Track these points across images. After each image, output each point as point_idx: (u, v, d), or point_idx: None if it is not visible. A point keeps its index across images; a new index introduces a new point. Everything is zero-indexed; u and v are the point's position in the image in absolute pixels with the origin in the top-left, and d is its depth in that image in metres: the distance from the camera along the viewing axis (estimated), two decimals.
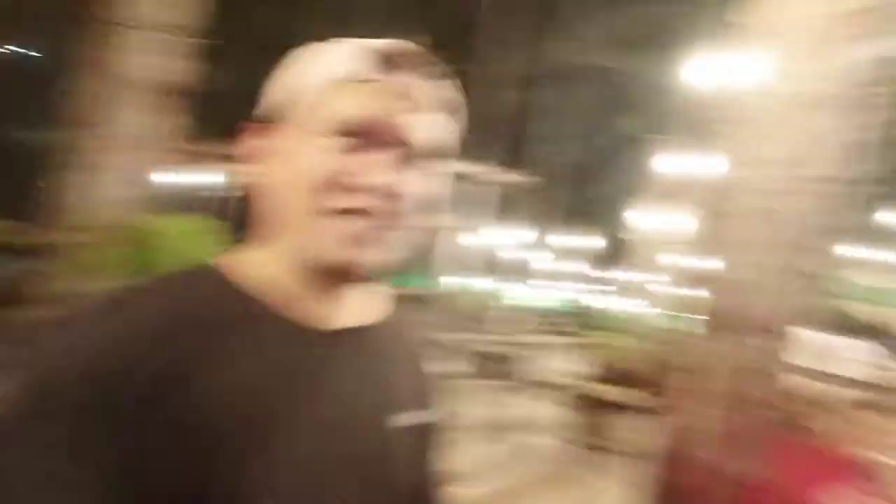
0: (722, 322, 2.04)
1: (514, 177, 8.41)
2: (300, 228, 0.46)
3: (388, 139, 0.46)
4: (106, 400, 0.39)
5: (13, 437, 0.38)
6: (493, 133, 10.76)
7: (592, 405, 4.71)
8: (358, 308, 0.54)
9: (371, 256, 0.46)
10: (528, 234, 14.65)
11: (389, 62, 0.46)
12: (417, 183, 0.47)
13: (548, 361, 6.99)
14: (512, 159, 13.37)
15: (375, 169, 0.45)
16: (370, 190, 0.44)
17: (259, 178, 0.49)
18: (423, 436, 0.60)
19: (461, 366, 6.46)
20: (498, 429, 4.49)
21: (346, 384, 0.51)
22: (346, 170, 0.45)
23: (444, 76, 0.50)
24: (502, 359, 6.10)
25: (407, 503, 0.55)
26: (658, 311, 7.41)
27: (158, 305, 0.45)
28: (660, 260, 7.82)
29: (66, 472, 0.38)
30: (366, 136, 0.45)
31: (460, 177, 7.46)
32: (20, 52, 11.59)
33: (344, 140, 0.45)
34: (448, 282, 7.81)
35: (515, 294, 10.08)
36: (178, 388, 0.41)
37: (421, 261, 7.64)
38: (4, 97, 10.71)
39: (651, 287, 7.76)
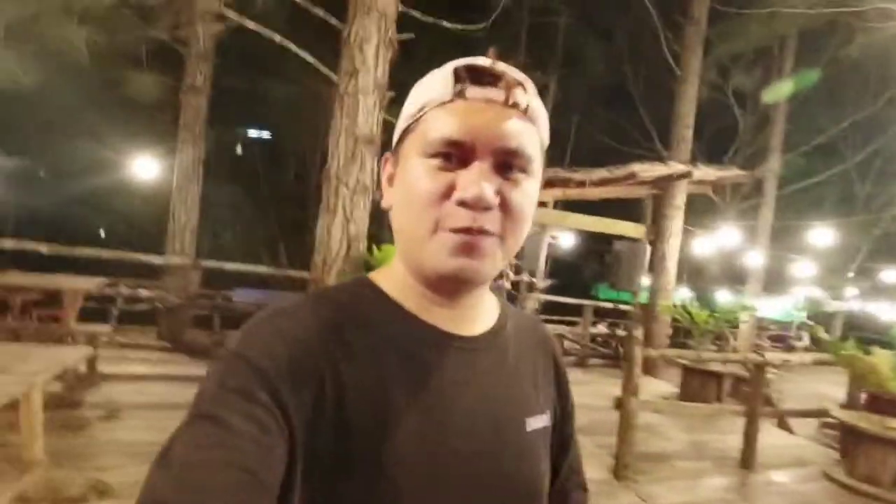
0: None
1: (735, 173, 7.31)
2: (416, 243, 0.50)
3: (482, 153, 0.48)
4: (289, 376, 0.44)
5: (220, 407, 0.41)
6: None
7: (852, 437, 3.80)
8: (486, 314, 0.58)
9: (480, 264, 0.49)
10: (754, 237, 12.53)
11: (476, 79, 0.49)
12: (516, 191, 0.49)
13: (792, 383, 5.84)
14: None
15: (473, 182, 0.47)
16: (471, 202, 0.47)
17: (388, 202, 0.55)
18: (557, 438, 0.62)
19: (681, 387, 5.86)
20: (731, 460, 3.95)
21: (480, 386, 0.53)
22: (448, 186, 0.48)
23: (530, 86, 0.51)
24: (733, 379, 5.31)
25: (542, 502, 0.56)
26: None
27: (323, 308, 0.51)
28: None
29: (258, 440, 0.40)
30: (462, 151, 0.48)
31: (675, 178, 6.88)
32: (260, 135, 15.02)
33: (442, 158, 0.48)
34: (662, 293, 7.17)
35: (748, 304, 8.62)
36: (335, 374, 0.46)
37: (630, 274, 7.19)
38: (256, 169, 13.87)
39: None
